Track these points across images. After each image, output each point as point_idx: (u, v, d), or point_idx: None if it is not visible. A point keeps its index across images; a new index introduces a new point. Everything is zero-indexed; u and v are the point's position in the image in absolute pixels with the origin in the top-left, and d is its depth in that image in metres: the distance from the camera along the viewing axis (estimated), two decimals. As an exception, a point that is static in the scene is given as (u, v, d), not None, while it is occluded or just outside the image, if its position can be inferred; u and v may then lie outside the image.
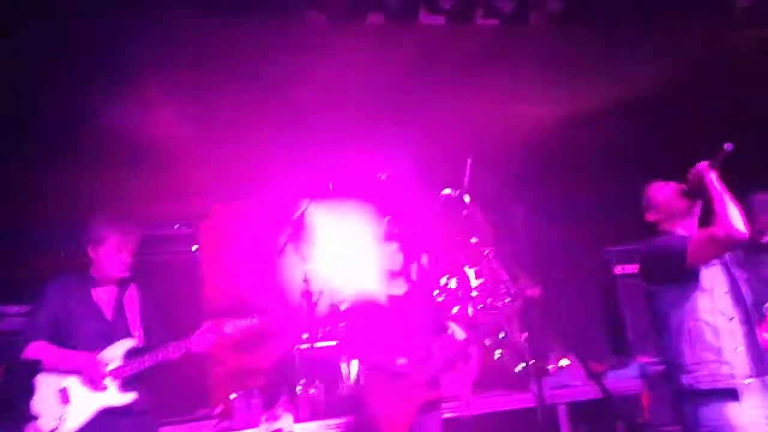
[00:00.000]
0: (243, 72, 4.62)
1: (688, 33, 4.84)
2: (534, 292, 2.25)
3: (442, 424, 3.66)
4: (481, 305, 5.29)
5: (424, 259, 5.41)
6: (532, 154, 6.08)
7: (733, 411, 2.52)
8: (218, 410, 4.45)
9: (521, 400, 4.30)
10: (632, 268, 5.55)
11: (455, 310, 5.29)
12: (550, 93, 5.39)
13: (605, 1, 4.70)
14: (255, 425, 3.99)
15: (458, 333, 4.67)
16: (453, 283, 5.38)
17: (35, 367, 3.14)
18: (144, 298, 3.52)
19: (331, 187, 5.38)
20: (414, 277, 4.93)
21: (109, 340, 3.27)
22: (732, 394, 2.53)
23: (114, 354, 3.25)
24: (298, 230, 5.52)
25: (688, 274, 2.68)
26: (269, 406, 4.17)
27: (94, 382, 3.16)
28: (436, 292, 5.28)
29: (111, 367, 3.20)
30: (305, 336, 5.03)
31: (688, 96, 5.46)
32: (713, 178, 2.75)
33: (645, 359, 4.74)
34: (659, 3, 4.71)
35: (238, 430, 4.01)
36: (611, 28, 4.76)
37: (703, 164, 2.78)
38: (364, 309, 3.73)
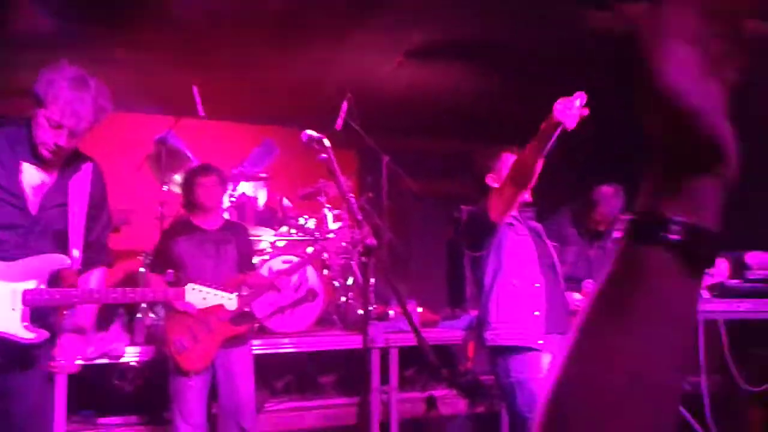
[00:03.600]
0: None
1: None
2: (372, 241, 2.36)
3: (251, 359, 3.70)
4: (335, 248, 5.44)
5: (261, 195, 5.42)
6: (402, 108, 6.24)
7: (533, 363, 2.79)
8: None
9: (356, 341, 4.52)
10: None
11: (310, 249, 5.40)
12: (428, 50, 5.50)
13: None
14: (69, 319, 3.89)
15: (310, 273, 4.81)
16: (311, 224, 5.47)
17: None
18: (97, 188, 2.53)
19: (202, 114, 5.20)
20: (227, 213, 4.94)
21: (25, 243, 2.33)
22: (526, 350, 2.82)
23: (33, 269, 2.32)
24: (159, 151, 5.32)
25: (494, 231, 2.89)
26: (104, 328, 4.09)
27: None
28: (287, 229, 5.35)
29: (24, 286, 2.29)
30: (149, 260, 4.95)
31: (553, 63, 5.77)
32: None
33: (476, 313, 5.12)
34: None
35: (47, 326, 3.86)
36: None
37: None
38: (181, 239, 3.70)
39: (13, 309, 2.28)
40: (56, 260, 2.37)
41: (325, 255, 5.38)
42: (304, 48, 5.55)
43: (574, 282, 3.82)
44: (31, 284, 2.31)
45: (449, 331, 4.83)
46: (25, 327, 2.29)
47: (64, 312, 2.66)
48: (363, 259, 2.36)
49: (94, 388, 4.11)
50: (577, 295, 3.74)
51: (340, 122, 5.47)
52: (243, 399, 3.58)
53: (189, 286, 2.52)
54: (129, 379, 4.24)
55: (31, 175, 2.36)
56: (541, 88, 6.00)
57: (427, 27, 5.29)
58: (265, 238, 5.24)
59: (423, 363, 4.90)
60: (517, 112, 6.54)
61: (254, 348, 4.16)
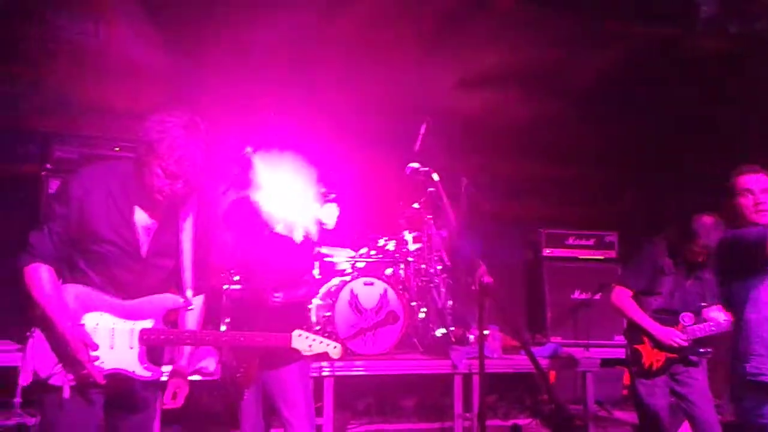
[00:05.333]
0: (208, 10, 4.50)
1: (649, 33, 4.99)
2: (489, 279, 2.32)
3: (299, 379, 3.04)
4: (414, 269, 5.43)
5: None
6: (480, 131, 6.22)
7: None
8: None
9: (439, 366, 4.49)
10: (559, 252, 5.84)
11: (389, 271, 5.41)
12: (502, 74, 5.49)
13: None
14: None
15: (390, 296, 4.82)
16: (391, 245, 5.48)
17: None
18: (202, 217, 2.55)
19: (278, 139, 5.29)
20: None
21: (140, 282, 2.41)
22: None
23: (150, 309, 2.42)
24: (241, 174, 5.45)
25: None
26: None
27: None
28: (367, 251, 5.37)
29: (142, 325, 2.39)
30: (236, 278, 5.05)
31: (637, 91, 5.67)
32: None
33: (558, 340, 5.01)
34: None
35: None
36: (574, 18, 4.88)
37: None
38: None
39: (131, 347, 2.37)
40: (171, 301, 2.46)
41: (402, 275, 5.39)
42: (380, 71, 5.61)
43: (669, 314, 3.69)
44: (148, 323, 2.40)
45: (531, 358, 4.72)
46: (142, 365, 2.38)
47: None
48: (480, 298, 2.30)
49: (185, 405, 4.20)
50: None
51: (418, 145, 5.49)
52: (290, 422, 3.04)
53: (296, 333, 2.49)
54: (218, 396, 4.32)
55: (141, 218, 2.41)
56: (613, 112, 5.95)
57: (503, 50, 5.29)
58: (342, 258, 5.29)
59: (503, 391, 4.83)
60: (591, 135, 6.46)
61: (338, 370, 4.19)
